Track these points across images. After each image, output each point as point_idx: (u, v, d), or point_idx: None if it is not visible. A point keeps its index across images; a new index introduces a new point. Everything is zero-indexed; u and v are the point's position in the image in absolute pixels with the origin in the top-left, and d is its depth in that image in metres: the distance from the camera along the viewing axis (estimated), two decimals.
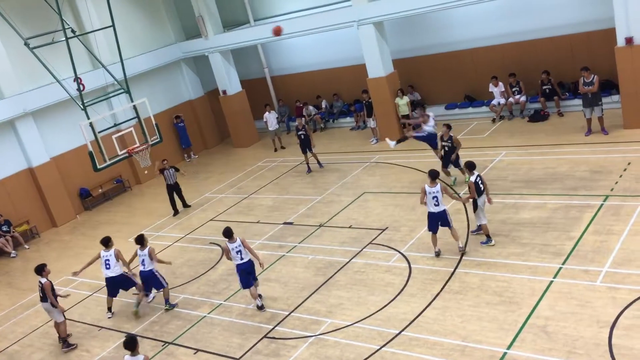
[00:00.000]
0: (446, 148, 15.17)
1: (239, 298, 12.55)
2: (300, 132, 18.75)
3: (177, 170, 18.44)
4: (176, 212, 18.54)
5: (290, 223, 15.65)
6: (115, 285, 12.92)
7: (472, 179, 11.86)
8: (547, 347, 8.79)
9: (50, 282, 12.09)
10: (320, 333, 10.61)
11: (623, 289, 9.66)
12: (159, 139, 17.05)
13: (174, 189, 18.50)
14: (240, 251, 11.65)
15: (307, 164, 19.02)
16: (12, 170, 19.75)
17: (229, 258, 11.85)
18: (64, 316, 12.34)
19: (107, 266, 12.74)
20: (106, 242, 12.88)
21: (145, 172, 19.20)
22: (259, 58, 25.17)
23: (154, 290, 13.10)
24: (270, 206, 17.19)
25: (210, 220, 17.35)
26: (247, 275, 11.72)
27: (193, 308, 12.67)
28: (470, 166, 12.13)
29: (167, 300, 12.83)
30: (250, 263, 11.75)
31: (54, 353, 12.39)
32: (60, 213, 20.52)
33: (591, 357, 8.38)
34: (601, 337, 8.72)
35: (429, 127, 15.81)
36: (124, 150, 16.42)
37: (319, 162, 19.04)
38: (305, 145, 18.78)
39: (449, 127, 15.15)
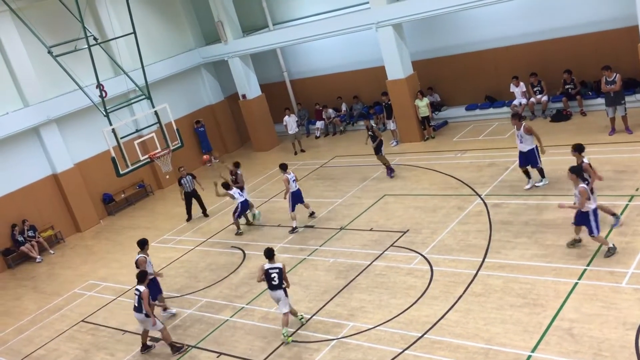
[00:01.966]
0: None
1: (261, 302, 12.59)
2: (369, 134, 17.51)
3: (194, 177, 18.57)
4: (190, 218, 18.66)
5: (312, 226, 15.67)
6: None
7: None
8: (573, 350, 8.67)
9: (147, 290, 11.57)
10: (342, 336, 10.59)
11: None
12: (180, 144, 17.18)
13: (192, 196, 18.59)
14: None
15: (387, 166, 17.58)
16: (37, 176, 20.08)
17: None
18: (162, 323, 11.77)
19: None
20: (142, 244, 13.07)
21: (167, 176, 19.34)
22: (278, 62, 25.27)
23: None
24: None
25: (232, 224, 17.43)
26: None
27: (215, 312, 12.74)
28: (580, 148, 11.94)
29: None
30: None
31: (79, 357, 12.55)
32: (84, 218, 20.80)
33: None
34: (627, 339, 8.58)
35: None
36: (146, 156, 16.58)
37: (387, 168, 17.67)
38: (377, 146, 17.44)
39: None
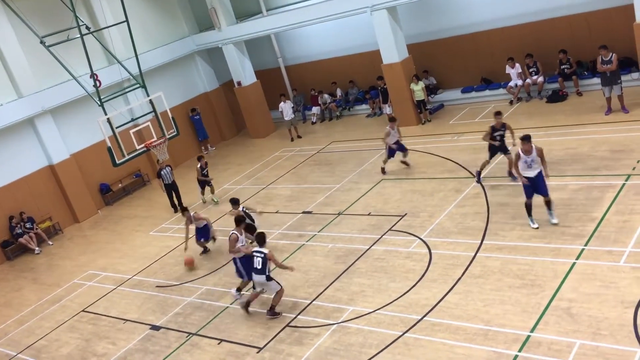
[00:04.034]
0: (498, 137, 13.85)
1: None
2: (497, 133, 13.89)
3: (172, 169, 18.61)
4: (176, 210, 18.63)
5: (309, 212, 15.68)
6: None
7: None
8: (572, 329, 8.73)
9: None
10: (342, 320, 10.64)
11: None
12: (175, 132, 17.16)
13: (172, 188, 18.59)
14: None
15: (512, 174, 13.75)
16: (33, 168, 20.02)
17: (233, 251, 11.80)
18: (280, 285, 11.39)
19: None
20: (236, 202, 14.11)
21: (163, 165, 19.32)
22: (272, 48, 25.14)
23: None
24: (289, 196, 17.23)
25: (229, 211, 17.42)
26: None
27: (216, 299, 12.77)
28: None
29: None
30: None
31: (81, 347, 12.60)
32: (82, 209, 20.78)
33: (616, 338, 8.31)
34: (626, 317, 8.63)
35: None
36: (142, 145, 16.57)
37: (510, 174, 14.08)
38: (500, 149, 14.06)
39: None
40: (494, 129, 13.89)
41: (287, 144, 22.26)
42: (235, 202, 14.29)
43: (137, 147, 16.48)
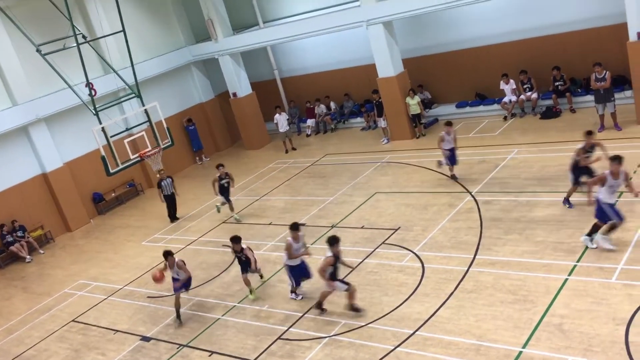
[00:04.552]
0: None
1: (253, 300, 12.57)
2: (586, 155, 12.49)
3: (172, 180, 18.49)
4: (172, 220, 18.58)
5: (303, 224, 15.65)
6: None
7: None
8: (563, 345, 8.73)
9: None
10: (334, 334, 10.60)
11: (639, 285, 9.57)
12: (170, 143, 17.16)
13: (170, 199, 18.50)
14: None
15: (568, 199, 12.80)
16: (26, 175, 19.93)
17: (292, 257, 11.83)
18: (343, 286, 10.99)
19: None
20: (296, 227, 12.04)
21: (157, 175, 19.28)
22: (268, 60, 25.23)
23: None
24: (282, 208, 17.21)
25: (223, 222, 17.40)
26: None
27: (207, 310, 12.71)
28: None
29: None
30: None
31: (70, 357, 12.48)
32: (74, 218, 20.68)
33: (608, 355, 8.31)
34: (618, 334, 8.64)
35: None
36: (136, 154, 16.55)
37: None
38: (586, 172, 12.59)
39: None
40: (585, 150, 12.42)
41: (281, 155, 22.27)
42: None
43: (131, 157, 16.47)
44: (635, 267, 10.09)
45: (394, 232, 13.69)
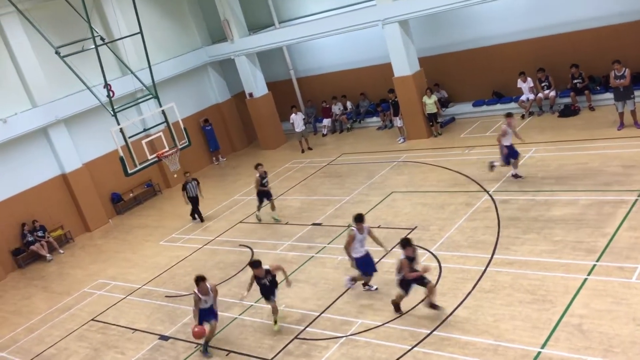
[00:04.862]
0: None
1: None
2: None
3: (198, 183, 18.51)
4: (194, 218, 18.62)
5: (319, 224, 15.68)
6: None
7: None
8: (583, 346, 8.64)
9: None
10: (351, 334, 10.60)
11: None
12: (187, 143, 17.24)
13: (194, 202, 18.50)
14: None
15: None
16: (46, 176, 20.19)
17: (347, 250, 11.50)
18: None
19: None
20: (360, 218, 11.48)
21: (175, 175, 19.40)
22: (284, 60, 25.28)
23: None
24: (299, 207, 17.25)
25: (240, 222, 17.48)
26: None
27: (224, 310, 12.76)
28: None
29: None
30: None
31: (90, 356, 12.62)
32: (93, 218, 20.90)
33: (628, 356, 8.21)
34: (638, 334, 8.54)
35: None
36: (154, 155, 16.66)
37: None
38: None
39: None
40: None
41: (297, 155, 22.30)
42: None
43: (149, 157, 16.58)
44: None
45: (410, 232, 13.65)
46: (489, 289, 10.69)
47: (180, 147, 16.91)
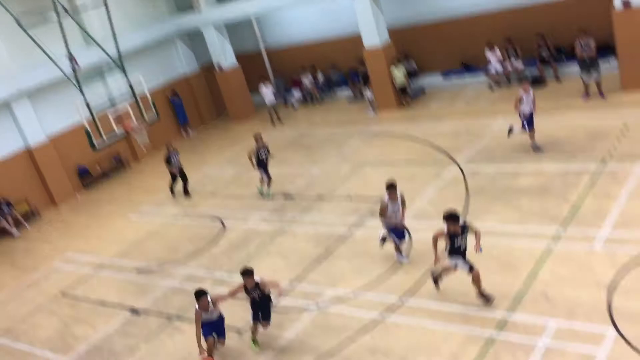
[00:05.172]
0: None
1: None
2: None
3: (178, 153, 18.00)
4: (187, 193, 17.94)
5: (290, 196, 15.69)
6: None
7: None
8: (548, 311, 8.90)
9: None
10: (323, 304, 10.71)
11: (621, 252, 9.75)
12: (155, 116, 16.98)
13: (180, 174, 17.84)
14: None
15: None
16: (10, 151, 19.73)
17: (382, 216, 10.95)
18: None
19: None
20: None
21: (144, 149, 19.12)
22: (253, 32, 24.92)
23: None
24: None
25: (211, 195, 17.40)
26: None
27: (196, 283, 12.75)
28: None
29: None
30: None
31: (60, 330, 12.54)
32: (60, 192, 20.55)
33: (591, 320, 8.50)
34: (600, 298, 8.83)
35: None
36: (121, 128, 16.38)
37: None
38: None
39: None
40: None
41: (268, 127, 22.19)
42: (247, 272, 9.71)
43: (116, 131, 16.30)
44: (618, 233, 10.26)
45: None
46: None
47: (147, 120, 16.66)
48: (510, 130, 14.48)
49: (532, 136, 14.16)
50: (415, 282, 10.53)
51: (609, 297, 8.82)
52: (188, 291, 12.47)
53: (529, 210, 11.74)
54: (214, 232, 14.96)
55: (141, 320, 12.02)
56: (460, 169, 14.34)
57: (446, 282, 10.28)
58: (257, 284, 9.60)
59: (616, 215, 10.76)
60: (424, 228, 12.17)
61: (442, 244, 9.59)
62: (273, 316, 10.20)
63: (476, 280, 9.45)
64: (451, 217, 9.30)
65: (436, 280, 10.13)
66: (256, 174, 16.16)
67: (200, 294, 9.45)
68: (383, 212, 11.07)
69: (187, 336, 10.93)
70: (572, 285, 9.32)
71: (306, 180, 16.40)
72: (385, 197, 11.01)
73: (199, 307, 9.45)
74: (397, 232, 11.26)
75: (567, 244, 10.39)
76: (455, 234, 9.34)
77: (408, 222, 12.53)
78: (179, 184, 18.01)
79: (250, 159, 15.95)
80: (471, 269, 9.42)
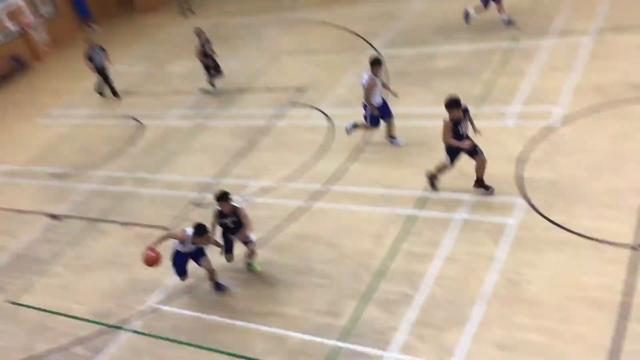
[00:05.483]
0: None
1: (165, 170, 12.42)
2: None
3: (104, 50, 16.40)
4: (115, 94, 16.49)
5: (208, 91, 15.24)
6: None
7: None
8: (461, 185, 9.33)
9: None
10: (248, 195, 10.78)
11: (531, 125, 10.23)
12: (53, 10, 15.69)
13: (102, 74, 16.38)
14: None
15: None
16: None
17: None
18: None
19: None
20: None
21: (45, 48, 17.74)
22: None
23: None
24: (185, 74, 16.59)
25: (124, 93, 16.63)
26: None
27: (117, 184, 12.47)
28: None
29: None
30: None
31: None
32: None
33: (503, 191, 9.00)
34: (509, 171, 9.32)
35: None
36: (16, 25, 15.07)
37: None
38: None
39: None
40: None
41: (179, 19, 21.05)
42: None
43: (11, 28, 15.00)
44: (528, 108, 10.71)
45: (301, 92, 13.63)
46: (378, 142, 11.10)
47: (44, 15, 15.38)
48: (466, 15, 14.00)
49: (500, 9, 13.52)
50: (338, 169, 10.71)
51: (518, 169, 9.33)
52: (109, 193, 12.23)
53: (446, 91, 11.90)
54: (130, 132, 14.46)
55: (63, 225, 11.73)
56: (378, 52, 14.28)
57: (364, 168, 10.51)
58: (235, 210, 8.48)
59: (527, 91, 11.17)
60: (345, 115, 12.25)
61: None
62: (197, 210, 10.16)
63: (480, 167, 8.95)
64: (454, 103, 8.64)
65: (432, 181, 9.48)
66: (178, 69, 15.49)
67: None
68: (370, 92, 10.33)
69: (114, 238, 10.83)
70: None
71: (224, 72, 15.88)
72: (366, 75, 10.37)
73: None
74: (384, 110, 10.67)
75: (482, 120, 10.73)
76: (459, 120, 8.71)
77: (329, 110, 12.58)
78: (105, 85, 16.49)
79: (199, 57, 14.63)
80: (477, 153, 8.87)
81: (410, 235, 8.75)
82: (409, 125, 11.26)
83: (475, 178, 9.15)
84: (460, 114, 8.71)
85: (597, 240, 7.71)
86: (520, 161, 9.50)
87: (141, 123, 14.67)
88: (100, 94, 16.80)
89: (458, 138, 8.79)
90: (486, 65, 12.35)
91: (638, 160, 8.83)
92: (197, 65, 16.43)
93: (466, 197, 9.13)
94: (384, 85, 10.76)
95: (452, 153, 9.06)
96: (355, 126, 11.16)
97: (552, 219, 8.27)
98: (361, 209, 9.61)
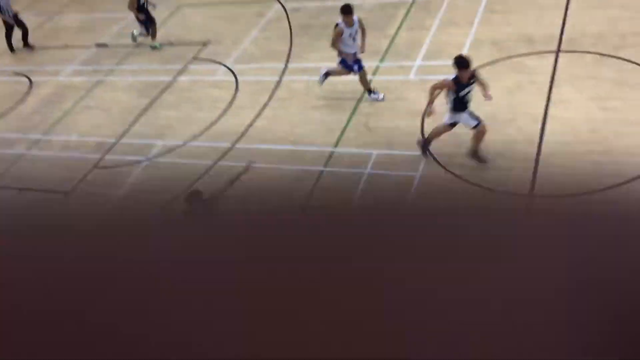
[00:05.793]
0: None
1: (59, 130, 11.74)
2: None
3: None
4: (13, 50, 15.03)
5: (105, 45, 14.42)
6: None
7: None
8: (369, 141, 9.51)
9: None
10: (153, 156, 10.44)
11: (433, 79, 10.46)
12: None
13: (16, 23, 14.69)
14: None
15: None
16: None
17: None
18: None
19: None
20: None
21: None
22: None
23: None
24: (79, 27, 15.58)
25: (14, 52, 15.40)
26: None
27: (8, 147, 11.66)
28: None
29: None
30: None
31: None
32: None
33: (407, 147, 9.23)
34: (414, 125, 9.57)
35: None
36: None
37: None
38: None
39: None
40: None
41: None
42: None
43: None
44: (431, 63, 10.97)
45: (204, 47, 13.20)
46: (285, 98, 11.04)
47: None
48: None
49: None
50: (246, 125, 10.55)
51: (422, 123, 9.59)
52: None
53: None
54: (20, 90, 13.47)
55: None
56: (283, 6, 14.02)
57: (271, 124, 10.43)
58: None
59: (429, 45, 11.41)
60: (250, 70, 12.04)
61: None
62: (102, 173, 9.73)
63: (478, 138, 8.40)
64: (464, 63, 8.03)
65: (425, 148, 8.93)
66: (68, 22, 14.42)
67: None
68: (337, 40, 9.84)
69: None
70: (390, 115, 9.96)
71: (120, 26, 15.05)
72: (340, 22, 9.80)
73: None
74: (357, 62, 10.11)
75: (386, 76, 10.91)
76: (465, 83, 8.14)
77: (234, 65, 12.29)
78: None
79: (133, 10, 13.43)
80: (478, 124, 8.32)
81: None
82: (314, 81, 11.21)
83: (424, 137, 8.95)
84: (469, 76, 8.13)
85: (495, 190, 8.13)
86: (423, 115, 9.74)
87: (30, 80, 13.70)
88: (11, 48, 15.06)
89: (460, 106, 8.28)
90: (390, 19, 12.45)
91: (529, 112, 9.32)
92: (92, 18, 15.51)
93: (375, 152, 9.29)
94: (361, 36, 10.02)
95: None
96: (327, 75, 10.47)
97: (453, 171, 8.61)
98: (269, 166, 9.56)
